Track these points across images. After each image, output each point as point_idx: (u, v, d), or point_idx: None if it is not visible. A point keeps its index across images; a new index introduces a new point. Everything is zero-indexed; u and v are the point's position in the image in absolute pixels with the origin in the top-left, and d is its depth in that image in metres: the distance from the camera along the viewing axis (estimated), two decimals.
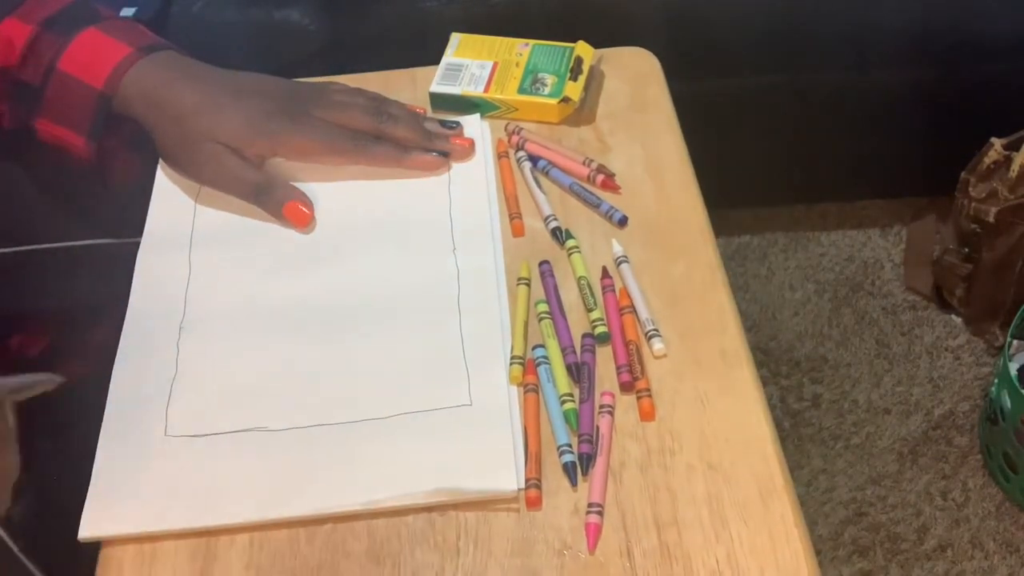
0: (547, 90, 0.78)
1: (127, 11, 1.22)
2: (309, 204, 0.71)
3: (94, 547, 0.56)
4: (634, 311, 0.65)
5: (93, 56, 0.70)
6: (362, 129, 0.73)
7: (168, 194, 0.74)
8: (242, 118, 0.70)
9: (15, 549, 0.68)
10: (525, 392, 0.61)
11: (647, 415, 0.59)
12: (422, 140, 0.74)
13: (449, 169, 0.75)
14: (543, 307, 0.65)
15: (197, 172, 0.73)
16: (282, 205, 0.71)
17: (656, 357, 0.62)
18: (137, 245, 0.71)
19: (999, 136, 1.43)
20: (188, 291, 0.68)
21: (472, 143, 0.75)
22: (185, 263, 0.69)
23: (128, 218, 0.72)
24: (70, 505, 0.55)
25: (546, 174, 0.74)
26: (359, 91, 0.76)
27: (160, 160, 0.76)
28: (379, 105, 0.74)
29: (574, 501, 0.56)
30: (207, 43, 1.28)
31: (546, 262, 0.68)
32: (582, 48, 0.80)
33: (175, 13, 1.31)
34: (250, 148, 0.71)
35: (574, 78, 0.78)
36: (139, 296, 0.68)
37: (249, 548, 0.56)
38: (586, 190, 0.72)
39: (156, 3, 1.25)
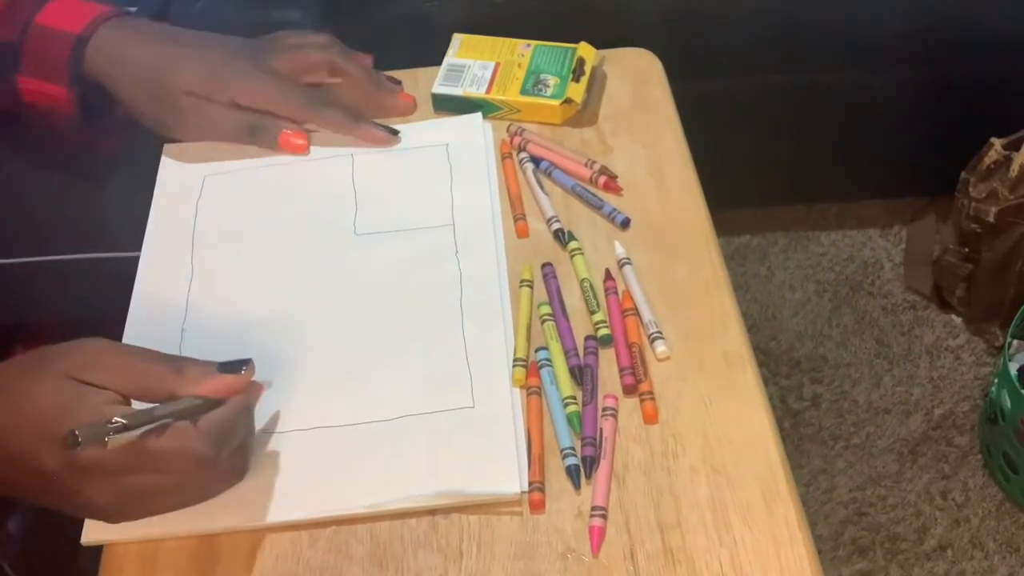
0: (549, 91, 0.77)
1: (128, 10, 1.22)
2: (299, 129, 0.74)
3: (85, 564, 0.56)
4: (637, 313, 0.65)
5: (72, 10, 0.72)
6: (317, 62, 0.76)
7: (169, 197, 0.74)
8: (204, 66, 0.72)
9: (6, 568, 0.68)
10: (528, 395, 0.61)
11: (650, 418, 0.59)
12: (371, 86, 0.77)
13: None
14: (546, 309, 0.65)
15: (181, 127, 0.74)
16: (276, 138, 0.74)
17: (659, 359, 0.62)
18: (138, 259, 0.70)
19: (999, 136, 1.43)
20: (190, 293, 0.68)
21: (414, 100, 0.79)
22: (187, 265, 0.69)
23: (130, 231, 0.72)
24: (63, 520, 0.55)
25: (548, 175, 0.74)
26: (309, 32, 0.78)
27: (161, 163, 0.76)
28: (330, 41, 0.77)
29: (577, 504, 0.56)
30: None
31: (549, 264, 0.68)
32: (584, 49, 0.80)
33: (175, 13, 1.30)
34: (216, 94, 0.73)
35: (576, 79, 0.78)
36: (141, 298, 0.68)
37: (252, 550, 0.56)
38: (588, 192, 0.72)
39: (156, 3, 1.25)
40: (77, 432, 0.47)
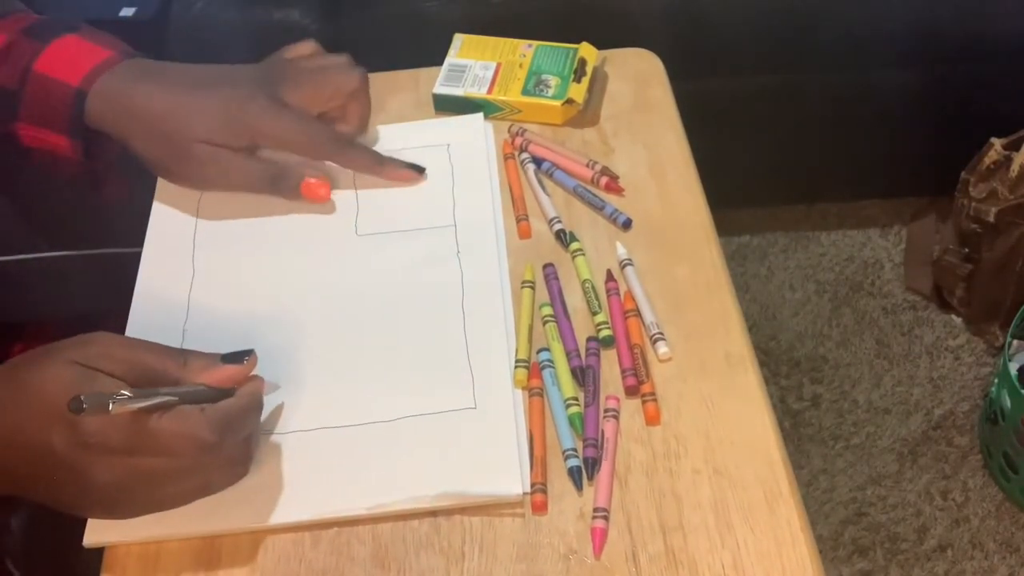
0: (551, 92, 0.77)
1: (127, 11, 1.22)
2: (323, 177, 0.71)
3: (87, 561, 0.56)
4: (639, 314, 0.65)
5: (71, 58, 0.69)
6: (339, 89, 0.71)
7: (171, 197, 0.74)
8: (218, 112, 0.68)
9: (8, 564, 0.68)
10: (530, 396, 0.61)
11: (652, 419, 0.59)
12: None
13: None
14: (547, 310, 0.65)
15: (198, 177, 0.71)
16: (298, 187, 0.71)
17: (661, 361, 0.62)
18: (140, 255, 0.70)
19: (999, 136, 1.43)
20: (191, 294, 0.68)
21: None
22: (188, 266, 0.69)
23: (131, 228, 0.72)
24: (65, 519, 0.55)
25: (550, 176, 0.74)
26: (322, 53, 0.74)
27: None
28: (349, 62, 0.73)
29: (579, 506, 0.56)
30: (207, 43, 1.28)
31: (550, 265, 0.68)
32: (586, 49, 0.80)
33: (175, 13, 1.30)
34: (234, 141, 0.69)
35: (578, 80, 0.78)
36: (142, 299, 0.67)
37: (254, 552, 0.56)
38: (590, 192, 0.72)
39: (156, 3, 1.25)
40: (83, 398, 0.47)
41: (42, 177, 0.77)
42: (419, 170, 0.73)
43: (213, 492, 0.55)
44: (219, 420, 0.52)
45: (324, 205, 0.72)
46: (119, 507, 0.54)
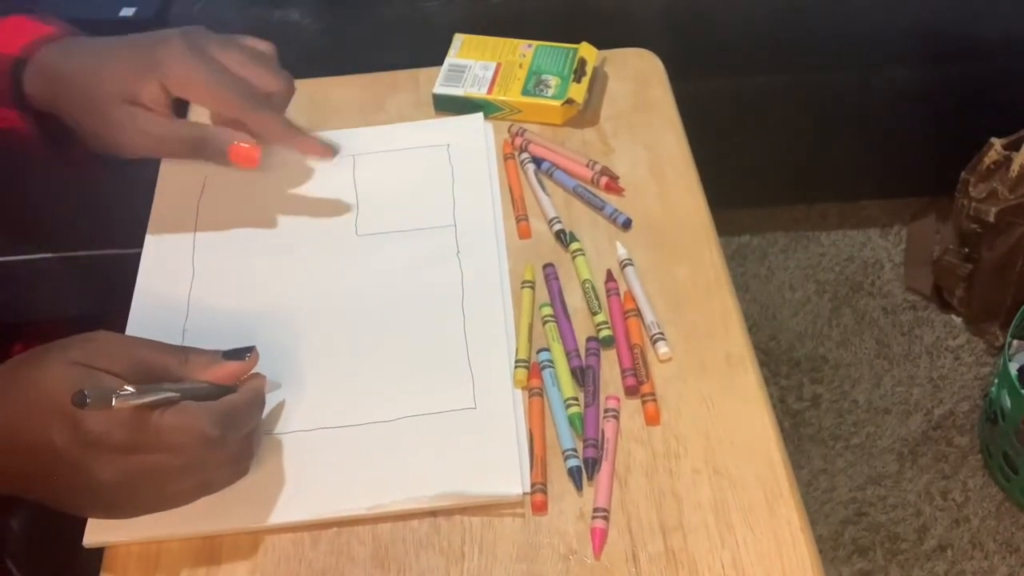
0: (551, 92, 0.77)
1: (127, 11, 1.22)
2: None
3: (88, 561, 0.56)
4: (639, 314, 0.65)
5: (16, 31, 0.67)
6: (261, 49, 0.68)
7: (171, 197, 0.74)
8: (129, 58, 0.65)
9: (9, 564, 0.68)
10: (530, 396, 0.61)
11: (652, 419, 0.59)
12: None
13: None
14: (547, 310, 0.65)
15: (120, 140, 0.66)
16: (226, 152, 0.66)
17: (661, 361, 0.62)
18: (140, 255, 0.70)
19: (999, 136, 1.43)
20: (191, 294, 0.68)
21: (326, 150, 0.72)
22: (188, 266, 0.69)
23: (131, 228, 0.72)
24: (65, 518, 0.55)
25: (550, 176, 0.74)
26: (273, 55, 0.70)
27: (162, 163, 0.75)
28: (273, 48, 0.70)
29: (579, 506, 0.56)
30: None
31: (550, 265, 0.68)
32: (585, 49, 0.80)
33: (175, 13, 1.30)
34: (144, 84, 0.64)
35: (578, 80, 0.78)
36: (142, 299, 0.67)
37: (254, 552, 0.56)
38: (590, 192, 0.72)
39: (156, 3, 1.25)
40: (86, 392, 0.47)
41: (41, 178, 0.77)
42: (333, 149, 0.71)
43: (214, 490, 0.55)
44: (222, 415, 0.52)
45: (325, 205, 0.72)
46: (120, 507, 0.54)
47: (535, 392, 0.61)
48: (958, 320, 1.60)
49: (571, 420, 0.59)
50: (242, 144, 0.66)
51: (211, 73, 0.64)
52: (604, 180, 0.73)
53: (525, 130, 0.77)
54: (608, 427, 0.59)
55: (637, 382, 0.61)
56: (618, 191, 0.73)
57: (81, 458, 0.50)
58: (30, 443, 0.51)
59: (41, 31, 0.67)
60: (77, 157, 0.73)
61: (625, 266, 0.67)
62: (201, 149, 0.67)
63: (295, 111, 0.72)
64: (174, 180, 0.75)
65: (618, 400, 0.60)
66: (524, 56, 0.80)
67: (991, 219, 1.41)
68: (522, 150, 0.76)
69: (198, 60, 0.64)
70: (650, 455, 0.58)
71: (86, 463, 0.50)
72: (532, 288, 0.66)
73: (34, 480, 0.53)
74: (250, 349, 0.56)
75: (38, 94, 0.66)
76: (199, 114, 0.73)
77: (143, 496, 0.53)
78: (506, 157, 0.75)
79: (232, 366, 0.56)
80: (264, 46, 0.70)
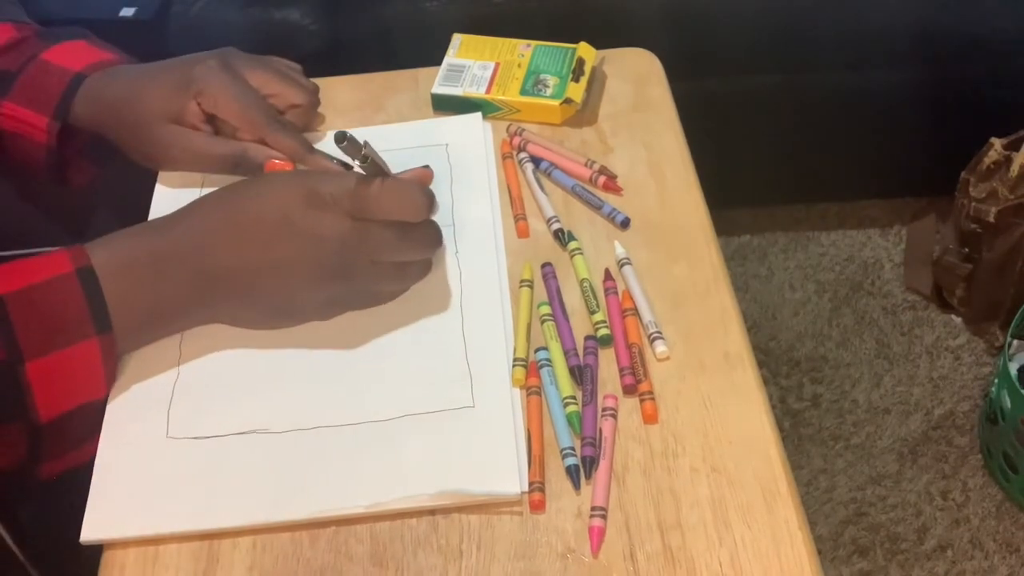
0: (549, 91, 0.77)
1: (127, 11, 1.22)
2: (287, 160, 0.71)
3: (97, 550, 0.56)
4: (637, 313, 0.65)
5: (80, 53, 0.72)
6: (288, 67, 0.75)
7: (170, 198, 0.74)
8: (169, 78, 0.70)
9: (18, 554, 0.68)
10: (528, 395, 0.61)
11: (650, 418, 0.59)
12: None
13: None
14: (545, 309, 0.65)
15: (164, 158, 0.73)
16: (262, 169, 0.71)
17: (659, 360, 0.62)
18: None
19: (999, 136, 1.43)
20: None
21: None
22: None
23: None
24: (72, 509, 0.55)
25: (548, 176, 0.74)
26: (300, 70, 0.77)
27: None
28: (314, 86, 0.77)
29: (577, 504, 0.56)
30: (207, 43, 1.28)
31: (548, 264, 0.68)
32: (584, 49, 0.80)
33: (175, 13, 1.30)
34: (183, 103, 0.70)
35: (576, 79, 0.78)
36: None
37: (252, 550, 0.56)
38: (588, 192, 0.72)
39: (156, 3, 1.25)
40: (347, 132, 0.56)
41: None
42: (347, 167, 0.72)
43: (407, 282, 0.65)
44: (426, 190, 0.61)
45: None
46: (327, 285, 0.61)
47: (533, 391, 0.61)
48: (958, 320, 1.60)
49: (569, 419, 0.59)
50: (276, 162, 0.71)
51: (239, 92, 0.70)
52: (602, 179, 0.73)
53: (524, 129, 0.77)
54: (606, 426, 0.59)
55: (635, 381, 0.61)
56: (616, 190, 0.73)
57: (313, 219, 0.58)
58: (260, 217, 0.59)
59: (101, 56, 0.73)
60: (75, 163, 0.74)
61: (623, 265, 0.67)
62: (239, 165, 0.71)
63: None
64: (173, 179, 0.75)
65: (616, 399, 0.60)
66: (523, 56, 0.80)
67: (991, 219, 1.41)
68: (521, 149, 0.76)
69: (228, 79, 0.70)
70: (648, 454, 0.58)
71: (315, 222, 0.58)
72: (530, 287, 0.67)
73: (244, 269, 0.60)
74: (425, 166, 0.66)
75: (82, 113, 0.71)
76: None
77: (358, 272, 0.61)
78: (504, 156, 0.76)
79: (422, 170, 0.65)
80: (292, 65, 0.76)
